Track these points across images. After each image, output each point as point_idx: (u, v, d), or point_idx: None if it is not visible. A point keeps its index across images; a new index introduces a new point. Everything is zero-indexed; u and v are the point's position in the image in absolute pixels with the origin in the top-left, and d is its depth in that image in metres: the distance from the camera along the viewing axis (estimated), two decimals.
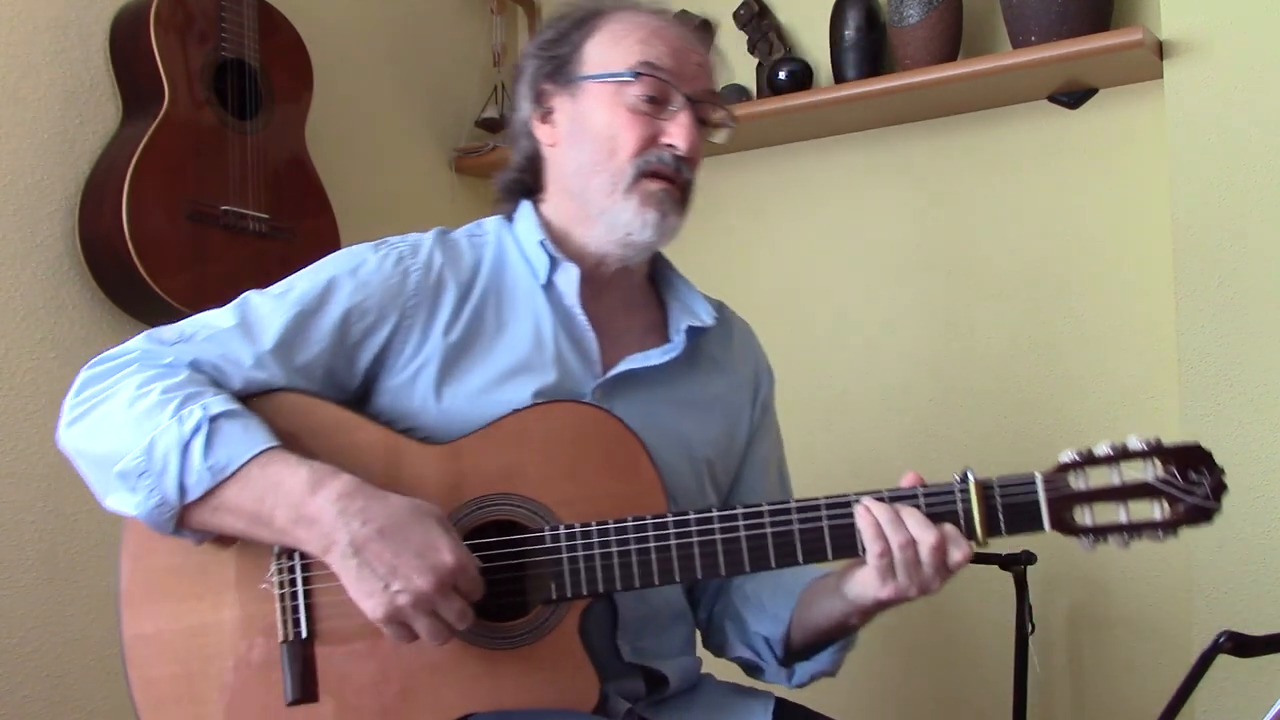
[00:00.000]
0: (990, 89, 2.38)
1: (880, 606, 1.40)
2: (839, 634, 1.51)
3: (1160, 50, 2.20)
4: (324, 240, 2.32)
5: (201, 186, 2.16)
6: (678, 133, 1.51)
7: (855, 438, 2.57)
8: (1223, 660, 1.34)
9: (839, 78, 2.52)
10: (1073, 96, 2.40)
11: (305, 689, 1.36)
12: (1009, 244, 2.46)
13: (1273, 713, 1.20)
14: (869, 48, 2.49)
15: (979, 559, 2.14)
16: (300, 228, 2.30)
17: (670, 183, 1.52)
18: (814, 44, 2.64)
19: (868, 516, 1.34)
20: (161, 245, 2.10)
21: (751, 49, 2.67)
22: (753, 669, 1.61)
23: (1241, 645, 1.34)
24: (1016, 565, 2.14)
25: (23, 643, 2.05)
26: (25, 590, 2.06)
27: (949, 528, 1.34)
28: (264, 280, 1.51)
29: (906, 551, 1.32)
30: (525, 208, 1.60)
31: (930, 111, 2.51)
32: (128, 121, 2.21)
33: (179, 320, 1.47)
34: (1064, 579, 2.34)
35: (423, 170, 2.82)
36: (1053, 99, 2.42)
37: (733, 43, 2.71)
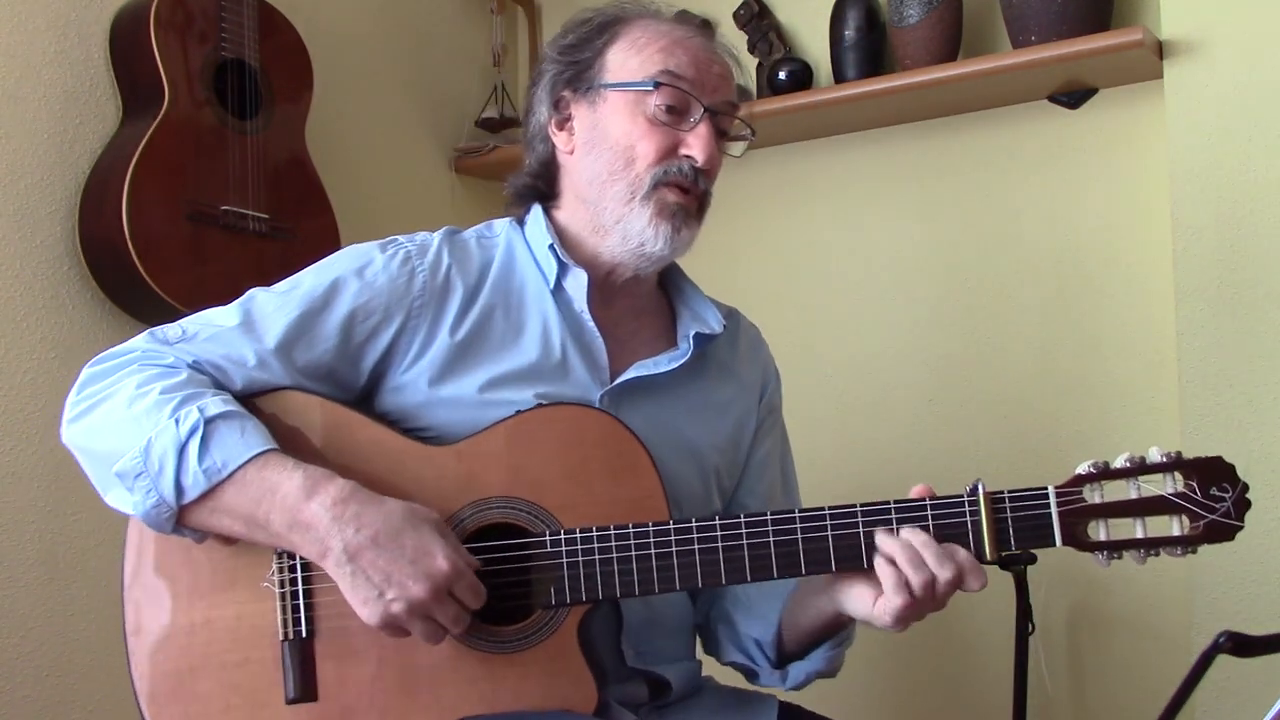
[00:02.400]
0: (990, 89, 2.38)
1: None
2: (830, 632, 1.50)
3: (1160, 50, 2.20)
4: (324, 240, 2.31)
5: (201, 186, 2.16)
6: (696, 144, 1.50)
7: (854, 437, 2.57)
8: (1223, 660, 1.33)
9: (839, 78, 2.52)
10: (1073, 96, 2.40)
11: (305, 688, 1.36)
12: (1009, 244, 2.46)
13: (1273, 713, 1.20)
14: (869, 48, 2.49)
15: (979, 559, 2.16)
16: (300, 228, 2.30)
17: (686, 194, 1.51)
18: (814, 44, 2.64)
19: (905, 549, 1.31)
20: (161, 245, 2.10)
21: (751, 49, 2.67)
22: (748, 673, 1.60)
23: (1241, 645, 1.34)
24: (1016, 565, 2.14)
25: (23, 643, 2.05)
26: (25, 590, 2.06)
27: (965, 559, 1.32)
28: (264, 280, 1.51)
29: (926, 591, 1.31)
30: (537, 211, 1.59)
31: (930, 111, 2.51)
32: (128, 121, 2.20)
33: (179, 320, 1.47)
34: (1064, 579, 2.34)
35: (423, 170, 2.82)
36: (1053, 99, 2.42)
37: (733, 43, 2.70)
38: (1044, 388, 2.41)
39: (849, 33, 2.49)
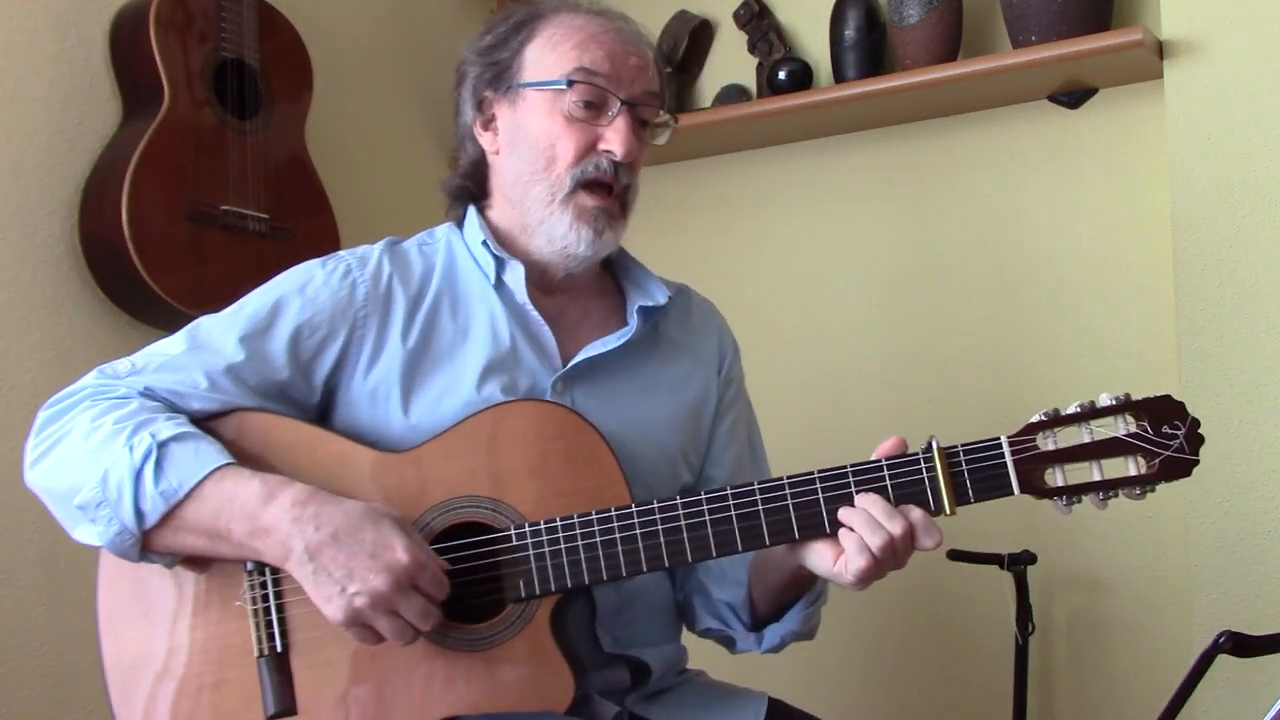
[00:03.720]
0: (990, 89, 2.38)
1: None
2: (799, 590, 1.50)
3: (1160, 50, 2.20)
4: (324, 240, 2.31)
5: (201, 186, 2.16)
6: (614, 139, 1.51)
7: (853, 437, 2.57)
8: (1223, 660, 1.34)
9: (839, 78, 2.52)
10: (1073, 96, 2.40)
11: (284, 702, 1.37)
12: (1008, 244, 2.46)
13: (1273, 713, 1.20)
14: (869, 48, 2.49)
15: (979, 559, 2.16)
16: (300, 228, 2.30)
17: (608, 192, 1.53)
18: (814, 44, 2.64)
19: (861, 516, 1.33)
20: (161, 245, 2.10)
21: (751, 49, 2.67)
22: (725, 640, 1.61)
23: (1241, 645, 1.34)
24: (1016, 565, 2.15)
25: (23, 643, 2.05)
26: (25, 590, 2.06)
27: (918, 518, 1.32)
28: (263, 280, 1.51)
29: (885, 551, 1.31)
30: (471, 212, 1.61)
31: (930, 111, 2.51)
32: (128, 121, 2.20)
33: (180, 320, 1.48)
34: (1064, 579, 2.34)
35: (423, 170, 2.81)
36: (1053, 99, 2.42)
37: (733, 43, 2.71)
38: (1044, 388, 2.41)
39: (849, 33, 2.49)
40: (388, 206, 2.68)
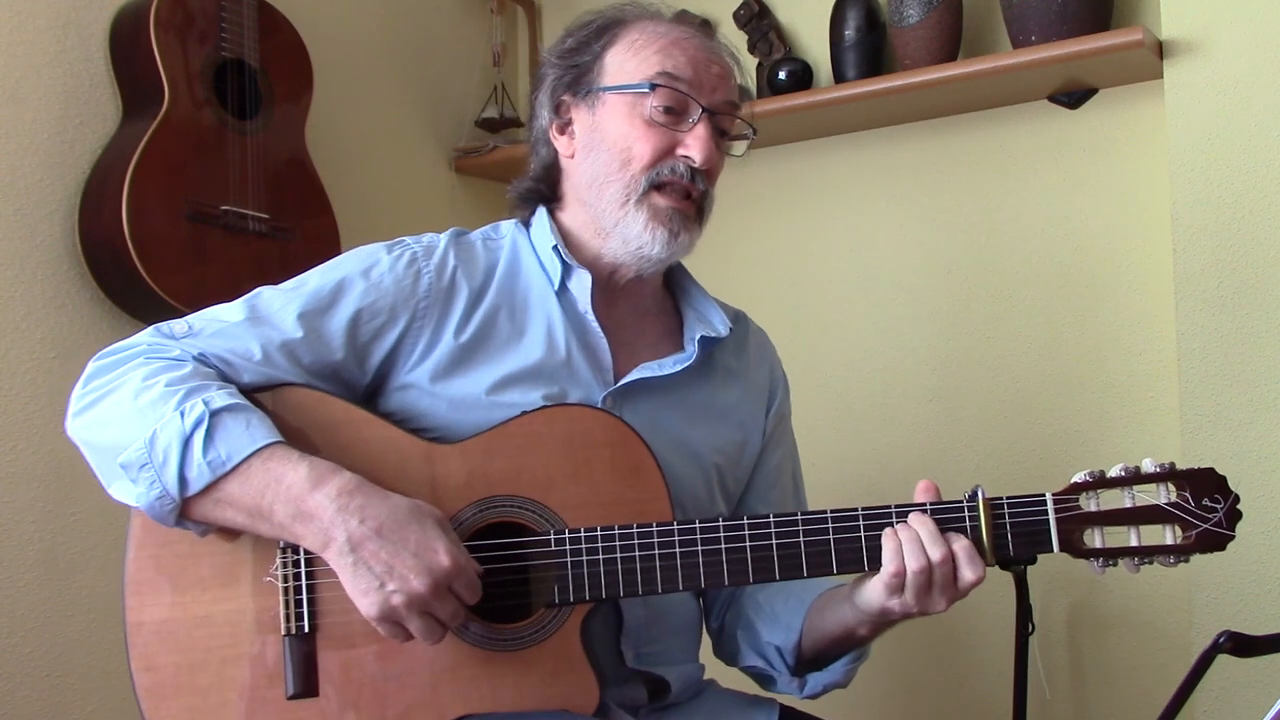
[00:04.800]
0: (990, 89, 2.38)
1: (885, 616, 1.39)
2: (849, 644, 1.50)
3: (1160, 50, 2.20)
4: (324, 240, 2.32)
5: (201, 186, 2.16)
6: (694, 145, 1.50)
7: (854, 437, 2.57)
8: (1223, 660, 1.33)
9: (839, 78, 2.52)
10: (1073, 96, 2.40)
11: (306, 683, 1.36)
12: (1009, 244, 2.46)
13: (1273, 713, 1.20)
14: (869, 48, 2.49)
15: None
16: (300, 228, 2.30)
17: (685, 197, 1.51)
18: (814, 44, 2.64)
19: (893, 541, 1.34)
20: (161, 245, 2.10)
21: (751, 49, 2.67)
22: (764, 679, 1.60)
23: (1241, 645, 1.34)
24: (1016, 565, 2.14)
25: (23, 643, 2.05)
26: (25, 590, 2.06)
27: (963, 545, 1.34)
28: (264, 281, 1.51)
29: (920, 577, 1.32)
30: (541, 213, 1.59)
31: (930, 111, 2.51)
32: (128, 121, 2.20)
33: (185, 316, 1.47)
34: (1064, 579, 2.34)
35: (423, 170, 2.82)
36: (1053, 99, 2.42)
37: (733, 43, 2.70)
38: (1044, 387, 2.41)
39: (849, 33, 2.49)
40: (388, 206, 2.69)
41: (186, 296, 2.09)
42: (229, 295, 1.50)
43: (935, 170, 2.54)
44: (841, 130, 2.62)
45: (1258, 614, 2.06)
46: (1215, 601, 2.10)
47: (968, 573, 1.33)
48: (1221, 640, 1.34)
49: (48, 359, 2.11)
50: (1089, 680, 2.35)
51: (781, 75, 2.56)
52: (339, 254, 1.55)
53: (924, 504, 1.36)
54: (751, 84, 1.66)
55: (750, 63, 2.68)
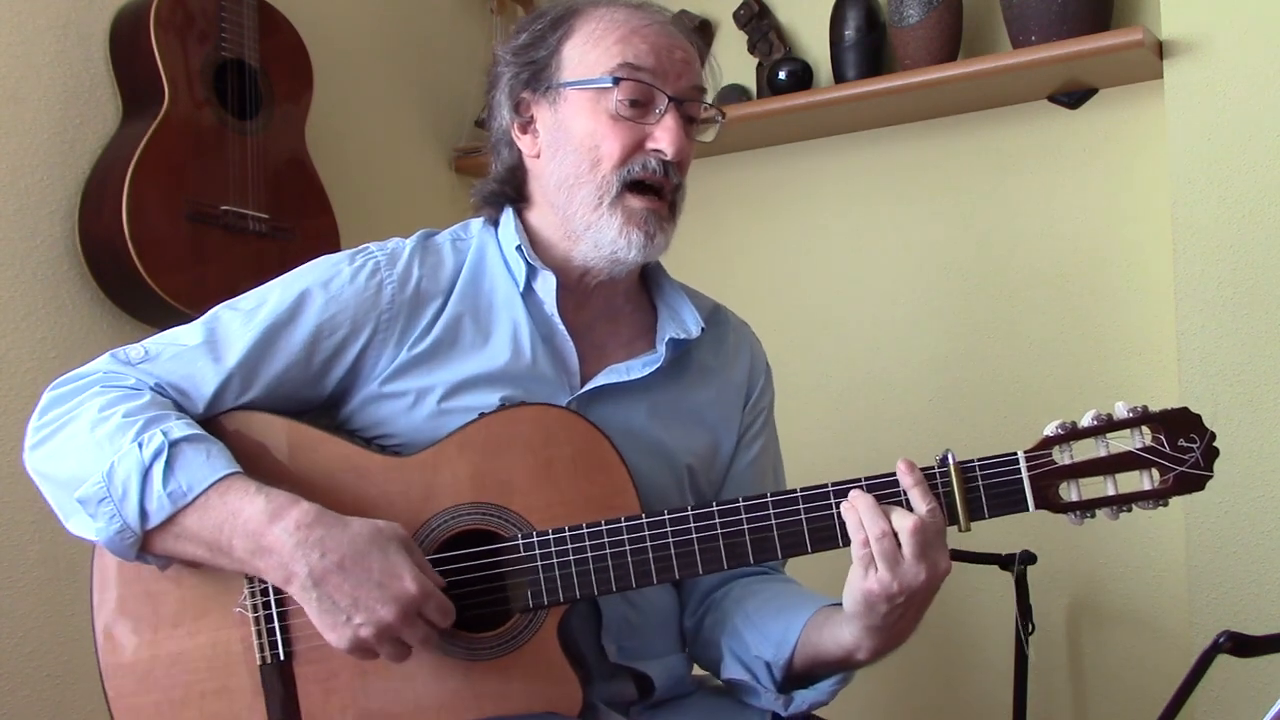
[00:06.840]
0: (990, 89, 2.38)
1: (872, 607, 1.33)
2: (842, 665, 1.44)
3: (1160, 50, 2.20)
4: (324, 240, 2.32)
5: (201, 186, 2.16)
6: (664, 137, 1.45)
7: (854, 437, 2.57)
8: (1223, 660, 1.34)
9: (839, 78, 2.52)
10: (1073, 96, 2.40)
11: (287, 711, 1.35)
12: (1009, 244, 2.46)
13: (1273, 713, 1.19)
14: (869, 48, 2.49)
15: (979, 559, 2.16)
16: (300, 228, 2.30)
17: (657, 195, 1.47)
18: (814, 44, 2.64)
19: (852, 513, 1.30)
20: (161, 245, 2.10)
21: (751, 49, 2.67)
22: (746, 691, 1.52)
23: (1241, 645, 1.34)
24: (1016, 565, 2.14)
25: (23, 643, 2.05)
26: (25, 590, 2.06)
27: (913, 491, 1.30)
28: (264, 280, 1.50)
29: (884, 542, 1.27)
30: (508, 214, 1.55)
31: (930, 111, 2.51)
32: (128, 121, 2.20)
33: (179, 320, 1.47)
34: (1064, 578, 2.34)
35: (423, 170, 2.82)
36: (1053, 99, 2.42)
37: (733, 43, 2.71)
38: (1044, 387, 2.41)
39: (849, 33, 2.49)
40: (388, 206, 2.69)
41: (186, 296, 2.09)
42: (228, 295, 1.50)
43: (935, 170, 2.54)
44: (841, 130, 2.62)
45: (1258, 614, 2.06)
46: (1215, 601, 2.11)
47: (922, 505, 1.29)
48: (1221, 640, 1.34)
49: (48, 359, 2.11)
50: (1089, 680, 2.35)
51: (781, 75, 2.56)
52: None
53: (894, 474, 1.32)
54: (716, 69, 1.60)
55: (750, 63, 2.68)
